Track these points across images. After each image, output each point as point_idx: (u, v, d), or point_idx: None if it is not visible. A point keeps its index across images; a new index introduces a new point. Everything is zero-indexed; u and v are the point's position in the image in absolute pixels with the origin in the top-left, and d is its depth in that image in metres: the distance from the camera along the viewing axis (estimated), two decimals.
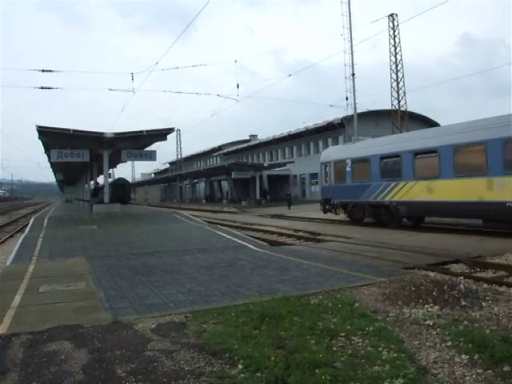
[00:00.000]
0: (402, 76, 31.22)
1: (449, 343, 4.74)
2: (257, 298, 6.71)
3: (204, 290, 7.65)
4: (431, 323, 5.40)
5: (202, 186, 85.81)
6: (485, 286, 7.69)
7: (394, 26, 31.03)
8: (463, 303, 6.18)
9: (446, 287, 6.59)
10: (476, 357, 4.32)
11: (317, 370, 3.93)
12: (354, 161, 20.96)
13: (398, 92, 31.29)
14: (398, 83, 31.23)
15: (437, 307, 6.06)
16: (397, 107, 31.27)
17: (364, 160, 20.28)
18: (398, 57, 31.08)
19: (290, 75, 45.99)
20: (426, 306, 6.13)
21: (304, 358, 4.21)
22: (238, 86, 30.14)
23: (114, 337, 5.23)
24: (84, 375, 4.13)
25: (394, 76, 31.20)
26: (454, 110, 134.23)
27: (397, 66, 31.11)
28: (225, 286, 7.87)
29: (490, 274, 9.33)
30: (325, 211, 23.52)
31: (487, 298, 6.47)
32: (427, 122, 52.89)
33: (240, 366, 4.20)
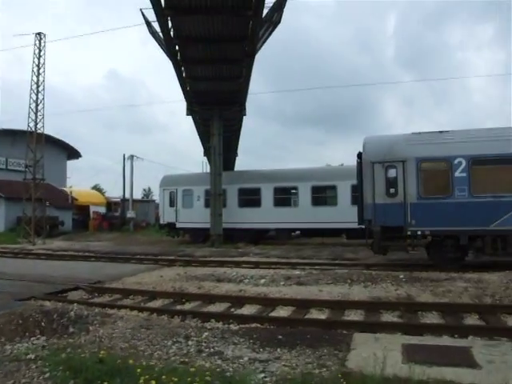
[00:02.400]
0: (43, 98, 30.17)
1: (47, 375, 4.62)
2: None
3: None
4: (33, 357, 5.18)
5: None
6: (96, 310, 7.95)
7: (40, 45, 29.81)
8: (71, 330, 6.25)
9: (55, 316, 6.54)
10: (72, 383, 4.37)
11: None
12: (478, 161, 13.37)
13: (36, 113, 30.00)
14: (37, 105, 29.97)
15: (43, 338, 5.92)
16: (34, 129, 29.88)
17: (503, 160, 13.26)
18: (41, 77, 29.96)
19: None
20: (33, 339, 5.90)
21: None
22: None
23: None
24: None
25: (34, 97, 29.85)
26: (99, 139, 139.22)
27: (38, 86, 29.88)
28: None
29: (106, 298, 9.81)
30: (379, 251, 14.11)
31: (95, 322, 6.71)
32: (67, 148, 52.63)
33: None
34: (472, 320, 7.45)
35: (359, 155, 14.69)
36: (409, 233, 13.39)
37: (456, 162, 13.39)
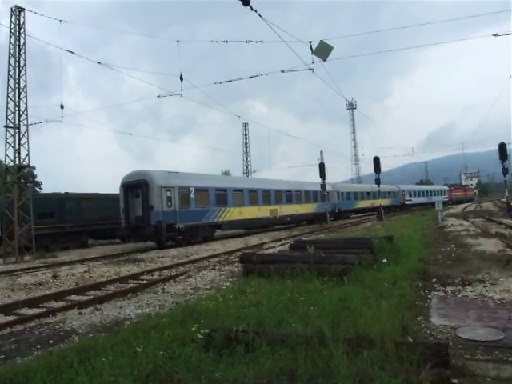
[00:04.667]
0: None
1: None
2: None
3: None
4: None
5: None
6: None
7: None
8: None
9: None
10: None
11: None
12: (198, 189, 25.68)
13: None
14: None
15: None
16: None
17: (205, 190, 26.47)
18: None
19: None
20: None
21: None
22: None
23: None
24: None
25: None
26: None
27: None
28: None
29: None
30: (165, 240, 23.22)
31: None
32: None
33: None
34: None
35: (131, 183, 23.30)
36: (177, 227, 23.02)
37: (191, 189, 25.02)
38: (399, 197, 59.51)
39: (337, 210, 42.96)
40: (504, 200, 43.74)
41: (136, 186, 22.99)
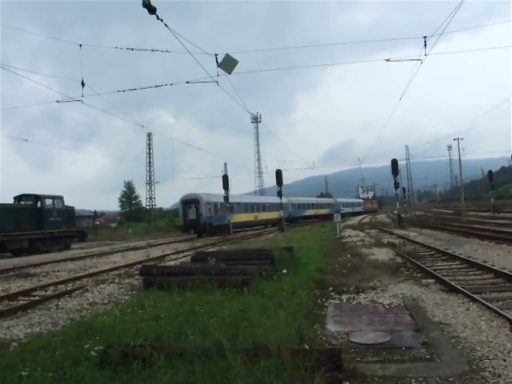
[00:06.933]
0: None
1: None
2: None
3: None
4: None
5: None
6: None
7: None
8: None
9: None
10: None
11: None
12: (221, 204, 39.93)
13: None
14: None
15: None
16: None
17: (223, 204, 39.43)
18: None
19: None
20: None
21: None
22: None
23: None
24: None
25: None
26: None
27: None
28: None
29: None
30: (210, 234, 37.67)
31: None
32: None
33: None
34: None
35: (188, 199, 39.53)
36: (213, 225, 37.94)
37: (218, 203, 40.28)
38: (336, 207, 75.00)
39: (291, 217, 57.41)
40: (396, 212, 47.28)
41: (190, 202, 39.20)
